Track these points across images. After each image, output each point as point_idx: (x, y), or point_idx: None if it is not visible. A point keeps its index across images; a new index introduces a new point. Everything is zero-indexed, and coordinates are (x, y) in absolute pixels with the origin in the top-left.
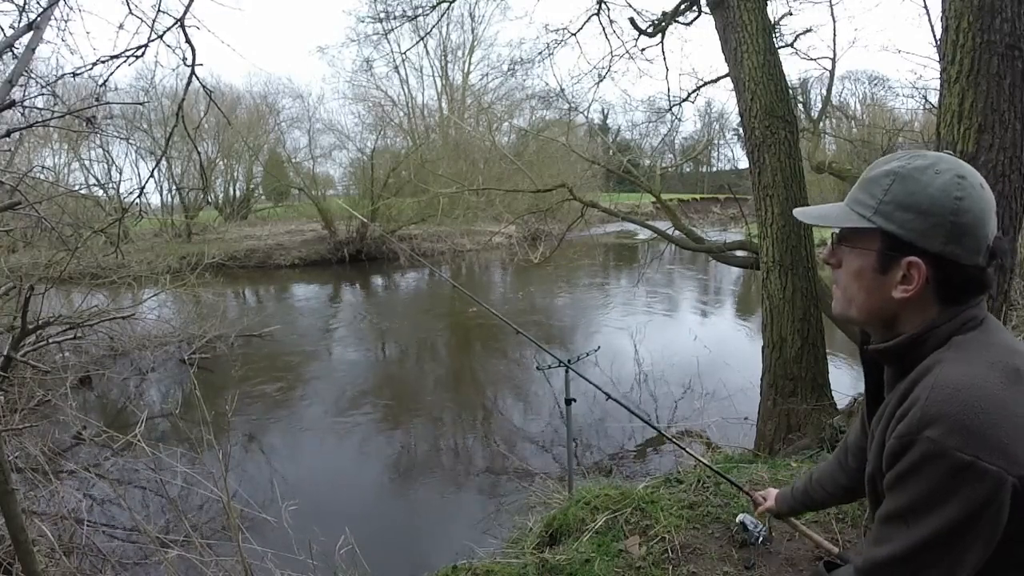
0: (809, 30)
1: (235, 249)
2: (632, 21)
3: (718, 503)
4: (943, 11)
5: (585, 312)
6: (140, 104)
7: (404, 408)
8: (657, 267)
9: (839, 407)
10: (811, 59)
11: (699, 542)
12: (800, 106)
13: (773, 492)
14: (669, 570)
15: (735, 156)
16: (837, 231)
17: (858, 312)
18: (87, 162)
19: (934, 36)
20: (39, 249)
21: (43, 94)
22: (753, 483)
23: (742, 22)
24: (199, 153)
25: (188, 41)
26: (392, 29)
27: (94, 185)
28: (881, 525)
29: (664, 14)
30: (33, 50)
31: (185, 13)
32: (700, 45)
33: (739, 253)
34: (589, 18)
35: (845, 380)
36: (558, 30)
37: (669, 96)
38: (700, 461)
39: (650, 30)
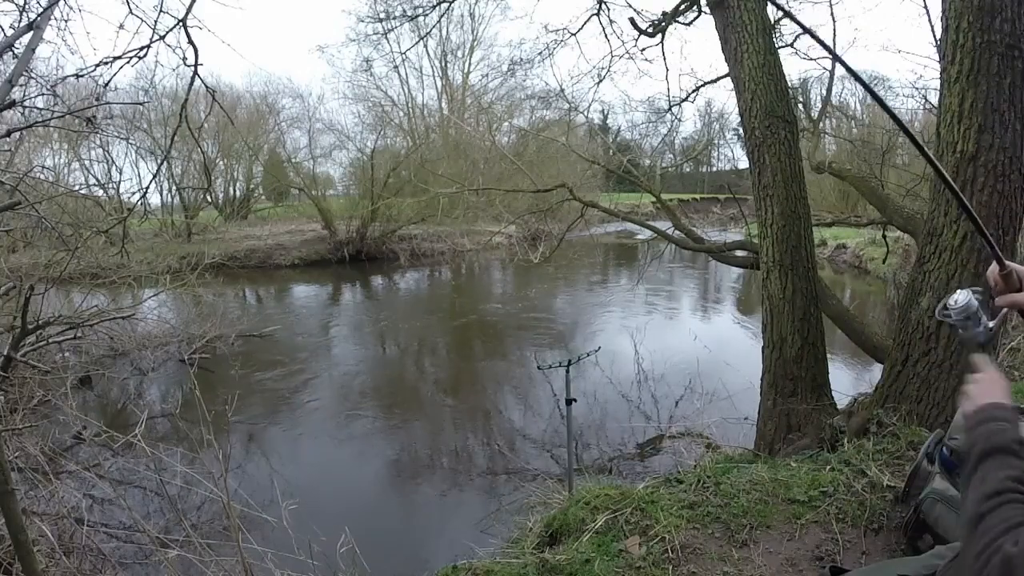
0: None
1: (235, 249)
2: (632, 21)
3: (718, 503)
4: (943, 11)
5: (585, 312)
6: (140, 104)
7: (404, 408)
8: (657, 267)
9: (839, 407)
10: (811, 59)
11: (699, 542)
12: (800, 106)
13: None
14: (669, 570)
15: (735, 156)
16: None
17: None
18: (87, 162)
19: (934, 36)
20: (39, 249)
21: (43, 94)
22: (753, 483)
23: (742, 22)
24: (202, 153)
25: (191, 41)
26: (392, 29)
27: (94, 185)
28: None
29: (664, 14)
30: (33, 50)
31: (187, 13)
32: (700, 45)
33: (739, 253)
34: (589, 18)
35: (845, 380)
36: (558, 30)
37: (669, 96)
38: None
39: (650, 30)
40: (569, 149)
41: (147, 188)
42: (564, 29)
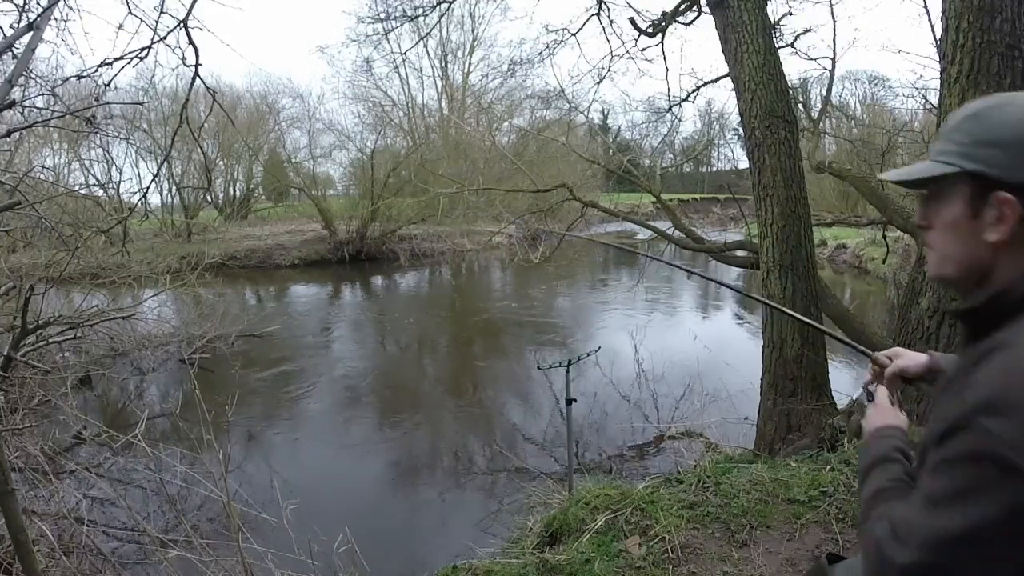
0: (809, 30)
1: (235, 249)
2: (632, 21)
3: (718, 503)
4: (943, 11)
5: (585, 312)
6: (140, 104)
7: (404, 408)
8: (657, 267)
9: (839, 407)
10: (811, 59)
11: (699, 542)
12: (800, 106)
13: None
14: (669, 570)
15: (735, 156)
16: (924, 194)
17: (954, 268)
18: (87, 162)
19: (934, 36)
20: (39, 249)
21: (43, 94)
22: (753, 483)
23: (742, 22)
24: (203, 153)
25: (191, 42)
26: (392, 29)
27: (94, 185)
28: (916, 506)
29: (664, 14)
30: (33, 50)
31: (188, 14)
32: (700, 45)
33: (739, 253)
34: (589, 18)
35: (845, 380)
36: (558, 30)
37: (669, 96)
38: None
39: (650, 30)
40: (569, 149)
41: (147, 188)
42: (564, 29)
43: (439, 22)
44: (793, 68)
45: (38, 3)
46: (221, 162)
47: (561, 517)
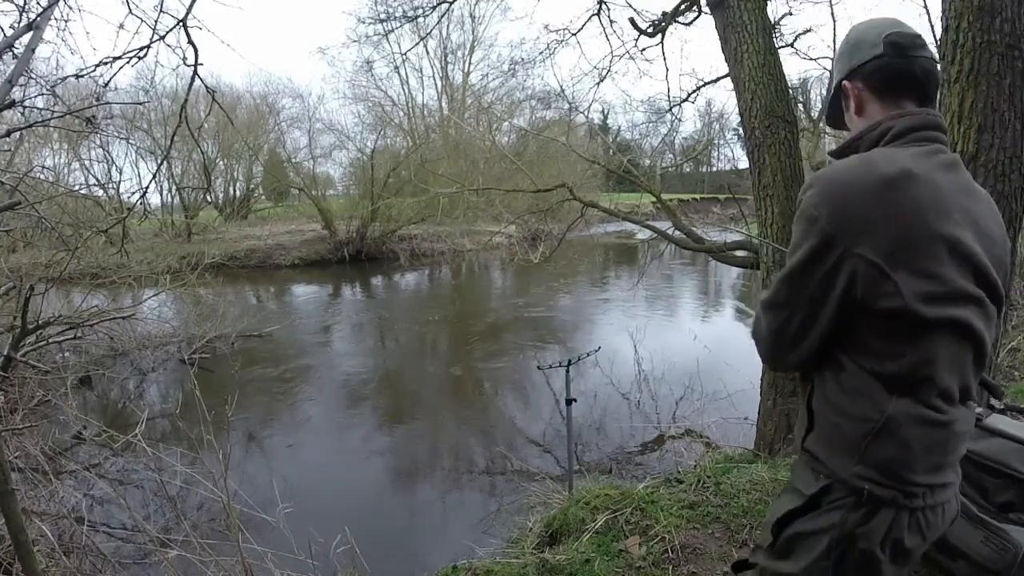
0: (809, 30)
1: (235, 249)
2: (632, 21)
3: (718, 503)
4: (943, 11)
5: (585, 312)
6: (140, 104)
7: (404, 408)
8: (657, 267)
9: None
10: (811, 59)
11: (699, 542)
12: (800, 106)
13: None
14: (669, 570)
15: (735, 156)
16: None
17: (853, 137)
18: (87, 162)
19: (934, 36)
20: (39, 249)
21: (43, 94)
22: (753, 483)
23: (742, 22)
24: (202, 153)
25: (191, 41)
26: (392, 30)
27: (94, 185)
28: None
29: (664, 14)
30: (33, 50)
31: (188, 13)
32: (700, 45)
33: (739, 253)
34: (589, 18)
35: None
36: (558, 30)
37: (669, 96)
38: None
39: (650, 30)
40: (569, 149)
41: (147, 188)
42: (564, 29)
43: (439, 22)
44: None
45: (38, 3)
46: (221, 162)
47: (561, 517)
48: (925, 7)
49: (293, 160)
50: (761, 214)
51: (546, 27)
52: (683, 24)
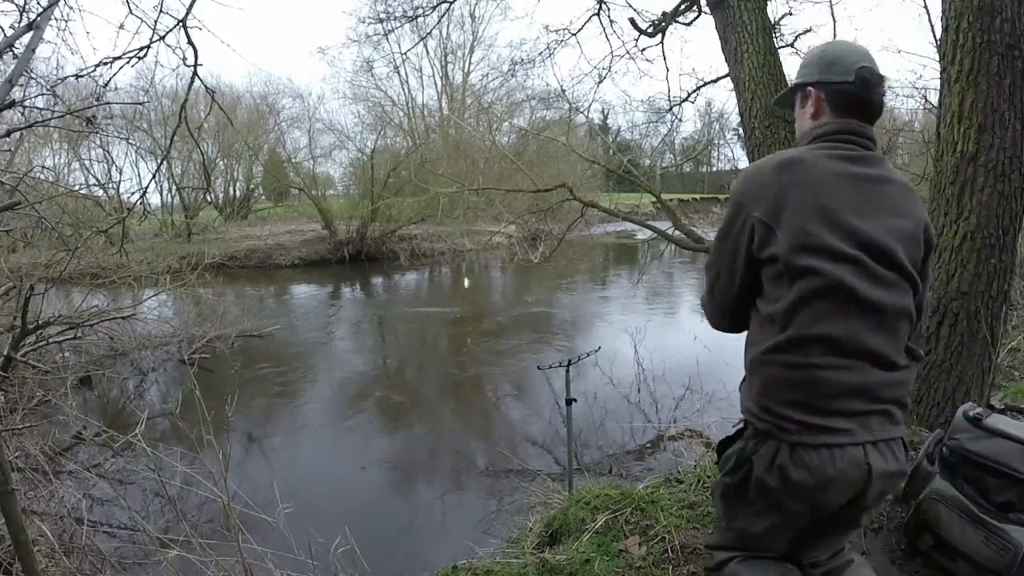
0: (809, 30)
1: (235, 249)
2: (632, 21)
3: None
4: (943, 11)
5: (585, 312)
6: (140, 104)
7: (404, 408)
8: (657, 267)
9: None
10: None
11: (699, 542)
12: None
13: None
14: (669, 570)
15: (735, 156)
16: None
17: (798, 135)
18: (87, 162)
19: (934, 36)
20: (39, 249)
21: (43, 94)
22: None
23: (742, 22)
24: (202, 154)
25: (190, 42)
26: (392, 30)
27: (94, 185)
28: None
29: (664, 14)
30: (33, 50)
31: (187, 14)
32: (700, 45)
33: None
34: (589, 18)
35: None
36: (559, 30)
37: (669, 96)
38: None
39: (650, 30)
40: (569, 149)
41: (146, 188)
42: (565, 29)
43: (439, 22)
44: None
45: (38, 3)
46: (221, 162)
47: (561, 517)
48: (925, 7)
49: (293, 160)
50: None
51: (546, 27)
52: (683, 24)
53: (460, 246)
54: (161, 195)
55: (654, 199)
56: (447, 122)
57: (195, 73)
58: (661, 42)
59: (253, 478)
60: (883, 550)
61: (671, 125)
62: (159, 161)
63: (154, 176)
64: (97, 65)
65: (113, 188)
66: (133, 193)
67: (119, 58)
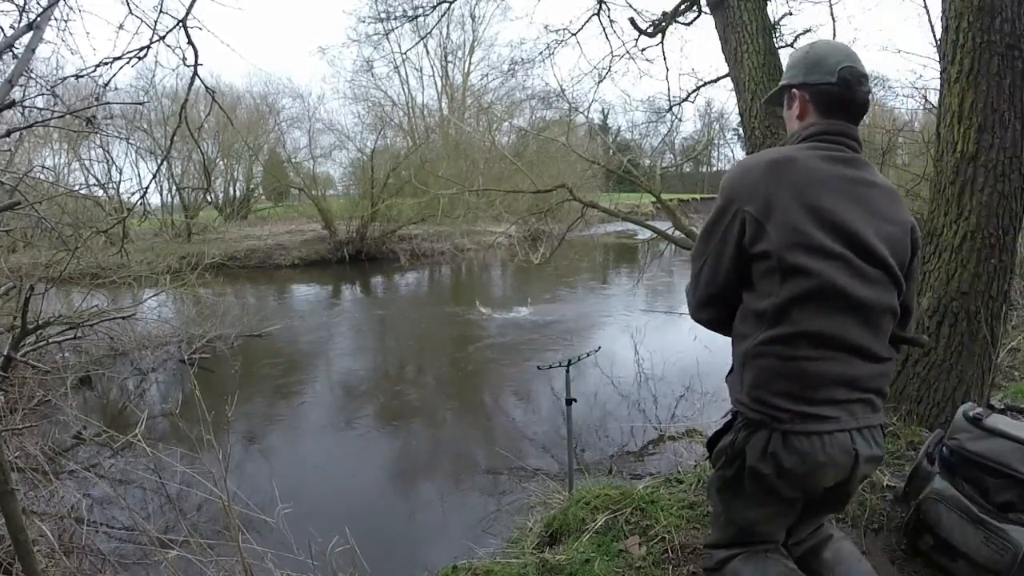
0: (809, 30)
1: (235, 249)
2: (632, 21)
3: None
4: (943, 11)
5: (585, 312)
6: (140, 104)
7: (404, 408)
8: (657, 267)
9: None
10: None
11: (699, 542)
12: None
13: None
14: (669, 570)
15: (735, 156)
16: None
17: (788, 135)
18: (87, 162)
19: (934, 36)
20: (39, 249)
21: (43, 94)
22: None
23: (742, 22)
24: (201, 154)
25: (190, 42)
26: (392, 29)
27: (94, 185)
28: None
29: (664, 14)
30: (33, 50)
31: (187, 14)
32: (700, 45)
33: None
34: (589, 18)
35: None
36: (558, 30)
37: (669, 96)
38: None
39: (650, 30)
40: (569, 149)
41: (146, 188)
42: (564, 29)
43: (439, 22)
44: None
45: (38, 3)
46: (221, 162)
47: (561, 517)
48: (925, 7)
49: (293, 160)
50: None
51: (546, 27)
52: (683, 24)
53: (460, 246)
54: (161, 195)
55: (654, 199)
56: (447, 122)
57: (195, 73)
58: (661, 42)
59: (253, 478)
60: (883, 550)
61: (671, 125)
62: (159, 161)
63: (154, 176)
64: (97, 65)
65: (113, 188)
66: (133, 193)
67: (119, 58)
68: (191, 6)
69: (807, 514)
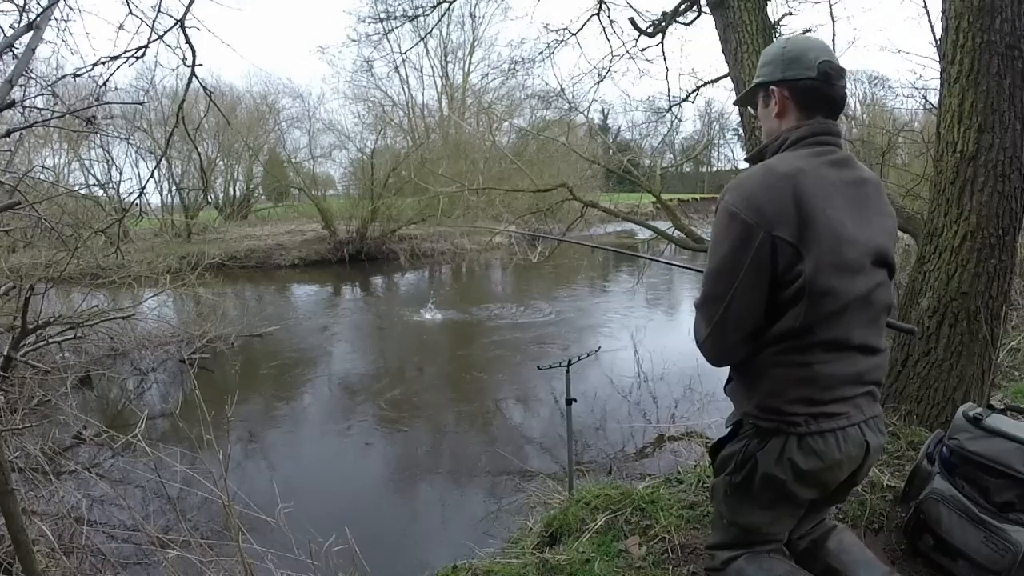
0: (809, 30)
1: (235, 249)
2: (632, 21)
3: None
4: (943, 11)
5: (585, 312)
6: (140, 104)
7: (404, 408)
8: (657, 267)
9: None
10: None
11: (699, 542)
12: None
13: None
14: (669, 570)
15: (735, 156)
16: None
17: (765, 136)
18: (87, 162)
19: (934, 36)
20: (39, 249)
21: (43, 94)
22: None
23: (742, 22)
24: (199, 154)
25: (188, 42)
26: (392, 29)
27: (94, 185)
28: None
29: (664, 14)
30: (33, 50)
31: (185, 14)
32: (700, 45)
33: None
34: (589, 18)
35: None
36: (559, 30)
37: (669, 96)
38: None
39: (650, 30)
40: (569, 149)
41: (143, 188)
42: (564, 29)
43: (439, 22)
44: None
45: (38, 3)
46: (221, 162)
47: (561, 517)
48: (925, 7)
49: (293, 160)
50: None
51: (546, 27)
52: (683, 24)
53: (460, 246)
54: (161, 195)
55: (654, 199)
56: (447, 122)
57: (193, 73)
58: (661, 42)
59: (253, 478)
60: (883, 550)
61: (671, 125)
62: (156, 161)
63: (151, 176)
64: (95, 64)
65: (113, 188)
66: (132, 193)
67: (117, 57)
68: (188, 6)
69: (812, 509)
